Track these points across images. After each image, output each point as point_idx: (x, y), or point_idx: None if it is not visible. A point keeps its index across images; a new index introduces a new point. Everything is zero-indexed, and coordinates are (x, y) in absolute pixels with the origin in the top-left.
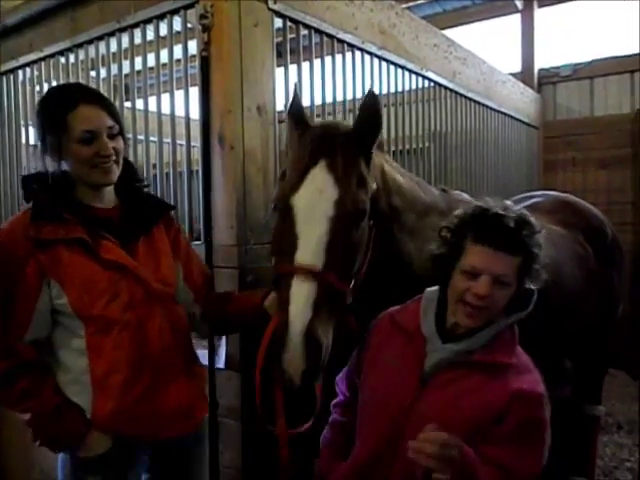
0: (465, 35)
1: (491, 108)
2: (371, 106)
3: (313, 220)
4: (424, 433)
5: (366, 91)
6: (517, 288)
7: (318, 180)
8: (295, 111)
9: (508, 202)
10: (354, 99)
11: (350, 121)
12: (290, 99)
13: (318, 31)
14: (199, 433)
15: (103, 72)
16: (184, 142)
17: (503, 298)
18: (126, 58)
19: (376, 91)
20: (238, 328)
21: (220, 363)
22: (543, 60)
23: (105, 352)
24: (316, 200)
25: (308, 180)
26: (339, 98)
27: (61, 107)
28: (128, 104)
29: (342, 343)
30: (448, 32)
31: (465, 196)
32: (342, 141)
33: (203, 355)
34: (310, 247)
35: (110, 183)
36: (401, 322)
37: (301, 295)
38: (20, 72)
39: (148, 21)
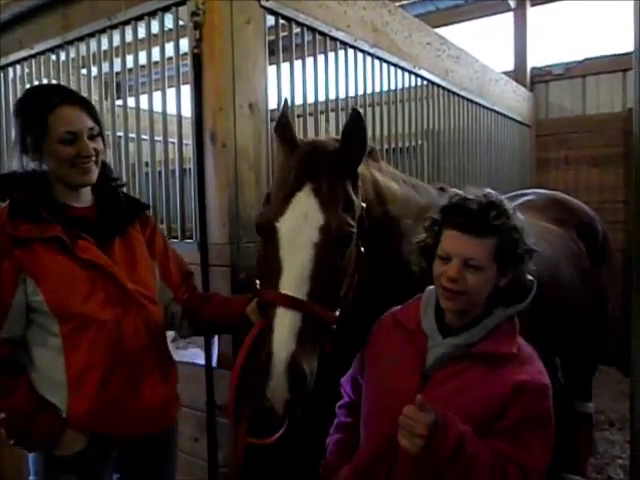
0: (458, 33)
1: (484, 106)
2: (356, 127)
3: (297, 246)
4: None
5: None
6: (502, 274)
7: (303, 205)
8: (282, 127)
9: (489, 190)
10: (347, 97)
11: (342, 120)
12: (280, 111)
13: (311, 29)
14: (171, 430)
15: (94, 70)
16: (176, 140)
17: (479, 283)
18: (117, 56)
19: (369, 89)
20: (219, 331)
21: (212, 362)
22: (536, 58)
23: (82, 350)
24: (301, 225)
25: (293, 204)
26: (332, 96)
27: (42, 107)
28: (120, 102)
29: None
30: (441, 30)
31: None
32: (328, 163)
33: (197, 354)
34: (294, 274)
35: (89, 183)
36: (402, 320)
37: (285, 325)
38: (10, 69)
39: (139, 18)
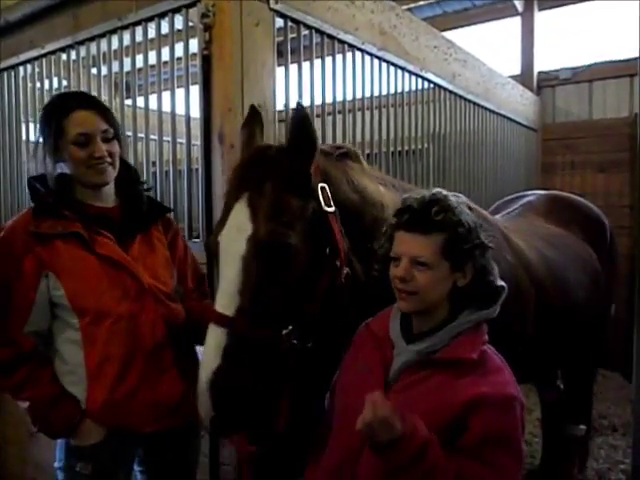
0: (465, 37)
1: (490, 110)
2: (301, 124)
3: (228, 260)
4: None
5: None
6: (457, 273)
7: (237, 216)
8: (246, 130)
9: (438, 190)
10: (354, 99)
11: (349, 122)
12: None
13: (319, 31)
14: (193, 426)
15: (104, 70)
16: (184, 140)
17: (430, 281)
18: (127, 56)
19: (375, 91)
20: None
21: None
22: (543, 63)
23: (99, 344)
24: (233, 238)
25: (230, 217)
26: (339, 98)
27: (58, 113)
28: (129, 102)
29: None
30: (448, 34)
31: (462, 197)
32: (267, 170)
33: (200, 350)
34: (224, 291)
35: (105, 184)
36: (374, 329)
37: (210, 343)
38: (21, 68)
39: (150, 19)
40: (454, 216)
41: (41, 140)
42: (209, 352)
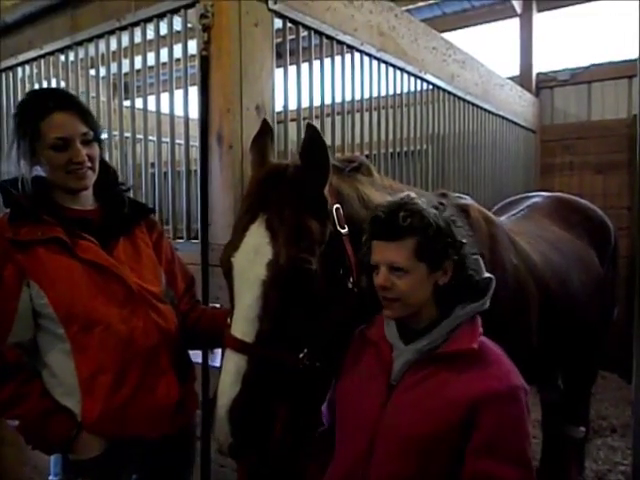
0: (464, 38)
1: (489, 111)
2: (313, 145)
3: (247, 284)
4: None
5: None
6: (436, 272)
7: (254, 238)
8: (256, 147)
9: (407, 193)
10: (353, 101)
11: (347, 123)
12: (261, 124)
13: (318, 32)
14: (189, 431)
15: (103, 71)
16: (183, 141)
17: (409, 285)
18: (126, 57)
19: (374, 92)
20: (214, 345)
21: (216, 361)
22: (541, 64)
23: (90, 353)
24: (251, 261)
25: (246, 238)
26: (338, 99)
27: (34, 114)
28: (127, 103)
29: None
30: (447, 35)
31: (468, 199)
32: (284, 190)
33: (197, 352)
34: (242, 316)
35: (85, 188)
36: (369, 335)
37: (228, 370)
38: (19, 69)
39: (148, 20)
40: (422, 218)
41: (15, 141)
42: (228, 379)
